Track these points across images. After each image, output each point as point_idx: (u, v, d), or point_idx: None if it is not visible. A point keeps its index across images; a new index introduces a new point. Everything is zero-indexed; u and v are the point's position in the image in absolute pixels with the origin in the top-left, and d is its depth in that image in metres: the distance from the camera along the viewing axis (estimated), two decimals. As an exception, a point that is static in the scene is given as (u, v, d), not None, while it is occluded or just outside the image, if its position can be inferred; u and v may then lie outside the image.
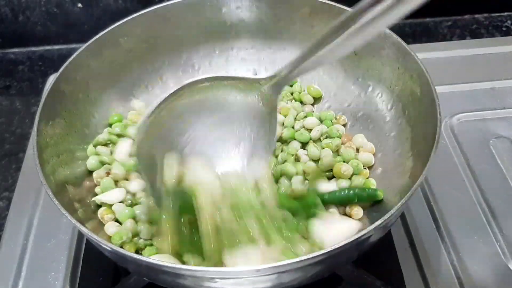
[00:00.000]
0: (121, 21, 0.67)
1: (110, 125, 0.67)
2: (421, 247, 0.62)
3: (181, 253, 0.52)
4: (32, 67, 0.94)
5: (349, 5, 0.66)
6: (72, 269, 0.62)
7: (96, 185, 0.62)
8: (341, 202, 0.59)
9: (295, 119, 0.69)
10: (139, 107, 0.70)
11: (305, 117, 0.69)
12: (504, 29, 0.96)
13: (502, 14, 0.99)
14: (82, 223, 0.49)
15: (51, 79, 0.70)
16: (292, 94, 0.73)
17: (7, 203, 0.71)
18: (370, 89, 0.68)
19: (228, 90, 0.56)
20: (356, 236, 0.44)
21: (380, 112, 0.67)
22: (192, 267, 0.47)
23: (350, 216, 0.58)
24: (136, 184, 0.61)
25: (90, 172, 0.63)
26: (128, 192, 0.61)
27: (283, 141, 0.67)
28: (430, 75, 0.57)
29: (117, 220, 0.59)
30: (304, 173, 0.62)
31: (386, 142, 0.65)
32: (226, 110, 0.57)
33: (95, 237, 0.47)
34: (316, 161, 0.64)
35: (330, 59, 0.51)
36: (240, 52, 0.75)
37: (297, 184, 0.60)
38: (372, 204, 0.60)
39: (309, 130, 0.67)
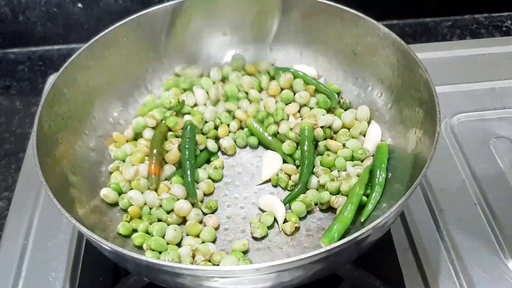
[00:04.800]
0: (121, 21, 0.67)
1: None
2: (421, 247, 0.62)
3: None
4: (32, 67, 0.94)
5: (348, 5, 0.67)
6: (72, 269, 0.62)
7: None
8: None
9: None
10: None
11: None
12: (504, 29, 0.96)
13: (502, 14, 0.99)
14: (82, 223, 0.49)
15: (51, 79, 0.70)
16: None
17: (7, 203, 0.71)
18: (369, 88, 0.68)
19: None
20: (355, 235, 0.44)
21: (379, 111, 0.67)
22: (192, 267, 0.47)
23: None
24: None
25: (90, 172, 0.63)
26: None
27: None
28: (430, 75, 0.57)
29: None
30: None
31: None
32: None
33: (95, 237, 0.47)
34: None
35: None
36: (240, 52, 0.75)
37: None
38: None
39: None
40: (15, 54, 0.96)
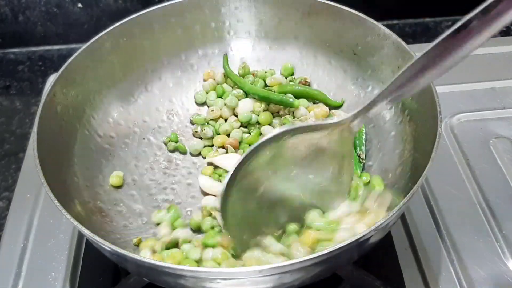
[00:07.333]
0: (121, 21, 0.67)
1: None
2: (421, 247, 0.62)
3: None
4: (32, 67, 0.93)
5: (348, 5, 0.67)
6: (72, 269, 0.62)
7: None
8: None
9: None
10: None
11: None
12: (504, 29, 0.96)
13: (502, 14, 0.98)
14: (82, 223, 0.49)
15: (51, 79, 0.70)
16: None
17: (7, 203, 0.71)
18: (369, 89, 0.68)
19: (303, 138, 0.53)
20: (356, 237, 0.44)
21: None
22: (193, 268, 0.47)
23: None
24: None
25: (90, 172, 0.63)
26: None
27: None
28: (430, 75, 0.57)
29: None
30: None
31: (386, 142, 0.64)
32: (302, 159, 0.54)
33: (95, 238, 0.47)
34: None
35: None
36: (239, 52, 0.75)
37: None
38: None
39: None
40: (15, 54, 0.96)
